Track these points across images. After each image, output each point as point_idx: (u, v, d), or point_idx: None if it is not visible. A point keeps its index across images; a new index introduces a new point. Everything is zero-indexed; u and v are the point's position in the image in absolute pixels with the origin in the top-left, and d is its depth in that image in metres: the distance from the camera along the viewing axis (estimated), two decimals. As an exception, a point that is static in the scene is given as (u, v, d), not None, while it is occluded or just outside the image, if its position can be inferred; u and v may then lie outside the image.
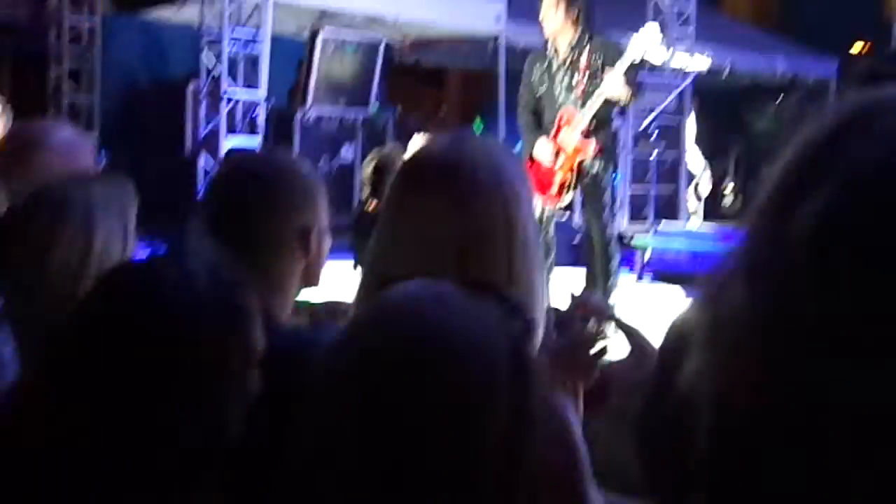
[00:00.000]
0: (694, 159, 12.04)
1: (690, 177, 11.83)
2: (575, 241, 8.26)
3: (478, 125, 14.08)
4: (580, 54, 6.25)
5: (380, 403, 1.07)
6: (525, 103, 6.50)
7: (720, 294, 0.59)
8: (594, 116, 6.18)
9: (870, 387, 0.51)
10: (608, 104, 6.23)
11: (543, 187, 6.24)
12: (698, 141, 12.43)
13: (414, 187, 1.69)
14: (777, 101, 14.62)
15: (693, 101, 12.02)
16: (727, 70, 14.35)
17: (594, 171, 6.27)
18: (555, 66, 6.34)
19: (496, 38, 12.10)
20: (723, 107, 14.98)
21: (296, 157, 2.30)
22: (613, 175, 6.55)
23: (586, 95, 6.18)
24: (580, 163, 6.23)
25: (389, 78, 12.64)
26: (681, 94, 10.77)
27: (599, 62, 6.18)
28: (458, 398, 1.06)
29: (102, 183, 2.11)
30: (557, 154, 6.24)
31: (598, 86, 6.13)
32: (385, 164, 5.72)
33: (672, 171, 11.41)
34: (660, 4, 11.72)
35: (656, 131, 10.55)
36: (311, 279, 2.01)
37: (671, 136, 11.22)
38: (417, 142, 5.50)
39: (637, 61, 6.19)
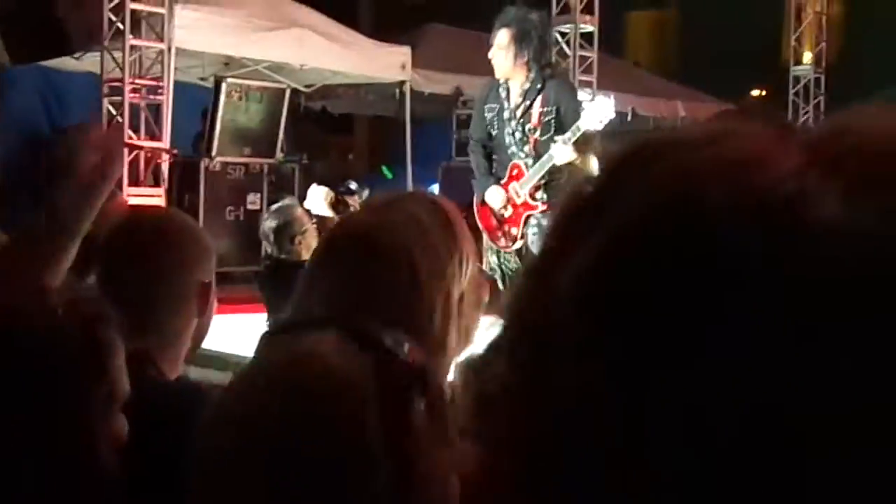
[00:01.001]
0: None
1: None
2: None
3: (386, 173, 14.12)
4: (532, 102, 6.07)
5: (257, 454, 1.08)
6: (478, 138, 6.33)
7: (487, 366, 0.54)
8: (545, 174, 6.07)
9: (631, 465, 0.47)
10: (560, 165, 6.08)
11: (493, 231, 6.26)
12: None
13: (330, 258, 1.69)
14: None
15: (595, 143, 12.19)
16: (629, 114, 14.62)
17: (540, 227, 6.12)
18: (506, 114, 6.15)
19: (402, 84, 12.17)
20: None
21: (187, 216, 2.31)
22: None
23: (538, 149, 6.07)
24: (527, 218, 6.18)
25: (296, 125, 12.61)
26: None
27: (552, 115, 6.04)
28: (331, 453, 1.07)
29: None
30: (507, 203, 6.19)
31: (547, 146, 6.02)
32: (283, 217, 5.66)
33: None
34: (565, 50, 11.90)
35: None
36: (202, 334, 2.05)
37: (574, 175, 11.34)
38: (315, 193, 5.47)
39: (587, 133, 6.03)
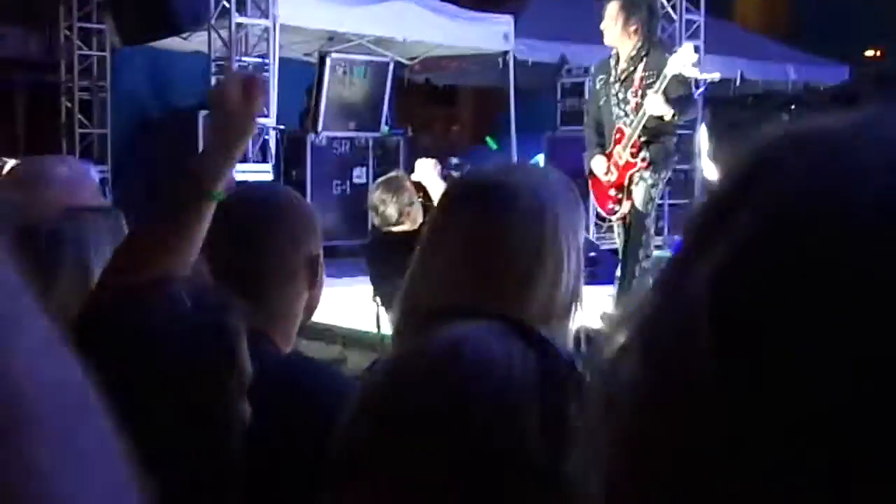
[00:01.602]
0: (711, 175, 11.98)
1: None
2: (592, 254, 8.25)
3: (491, 144, 14.08)
4: (636, 68, 6.36)
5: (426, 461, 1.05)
6: (590, 116, 6.71)
7: (615, 367, 0.52)
8: (643, 132, 6.32)
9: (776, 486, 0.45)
10: (656, 120, 6.31)
11: (602, 200, 6.57)
12: (715, 156, 12.37)
13: (457, 211, 1.69)
14: (791, 109, 14.57)
15: (705, 112, 11.98)
16: (738, 79, 14.33)
17: (644, 182, 6.41)
18: (612, 79, 6.46)
19: (506, 54, 12.11)
20: (736, 117, 14.93)
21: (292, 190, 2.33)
22: (658, 187, 6.65)
23: (638, 110, 6.33)
24: (630, 176, 6.40)
25: (400, 98, 12.66)
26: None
27: (654, 78, 6.27)
28: (491, 454, 1.04)
29: (94, 217, 2.13)
30: (610, 169, 6.45)
31: (644, 105, 6.27)
32: (393, 188, 5.66)
33: (686, 185, 11.35)
34: (671, 14, 11.69)
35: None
36: (313, 307, 2.05)
37: (684, 148, 11.16)
38: (424, 165, 5.45)
39: (678, 78, 6.25)
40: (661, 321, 0.50)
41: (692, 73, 6.38)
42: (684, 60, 6.24)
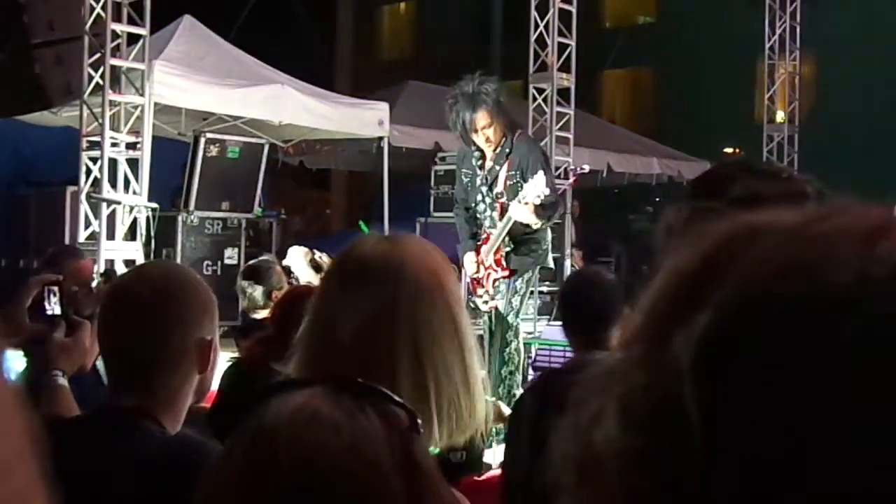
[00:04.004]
0: (576, 262, 12.25)
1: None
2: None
3: (363, 228, 14.12)
4: (501, 167, 6.47)
5: None
6: (461, 200, 6.79)
7: (591, 426, 0.55)
8: (507, 239, 6.47)
9: None
10: (519, 226, 6.44)
11: (474, 289, 6.70)
12: (580, 243, 12.68)
13: (353, 286, 1.68)
14: (656, 201, 15.04)
15: (573, 203, 12.29)
16: (605, 171, 14.75)
17: (504, 294, 6.57)
18: (478, 181, 6.55)
19: (380, 140, 12.23)
20: (602, 208, 15.35)
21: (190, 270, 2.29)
22: (519, 293, 6.75)
23: (503, 213, 6.45)
24: (494, 281, 6.59)
25: (273, 180, 12.63)
26: (561, 195, 10.97)
27: (517, 178, 6.39)
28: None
29: None
30: (478, 268, 6.61)
31: (508, 214, 6.39)
32: (261, 272, 5.63)
33: (556, 272, 11.55)
34: (543, 106, 12.01)
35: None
36: (204, 390, 2.04)
37: (553, 238, 11.39)
38: (295, 252, 5.47)
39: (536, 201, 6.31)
40: (639, 388, 0.54)
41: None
42: (537, 189, 6.27)
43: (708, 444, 0.50)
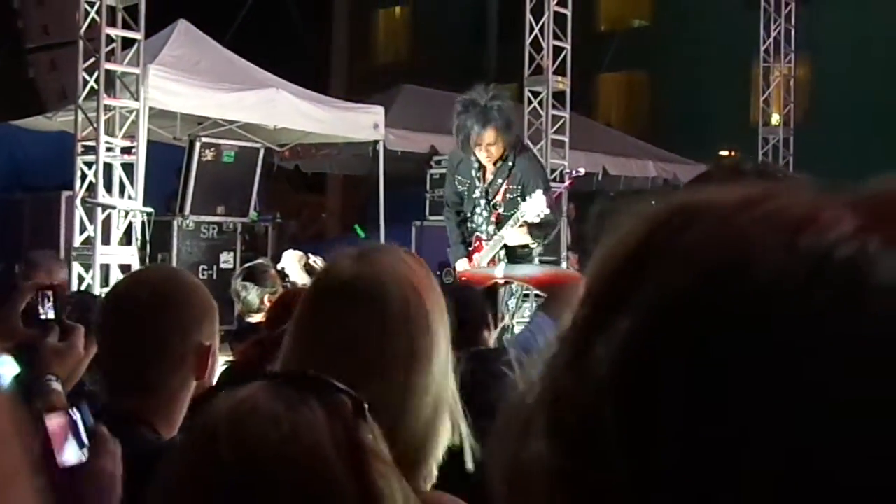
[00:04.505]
0: (572, 264, 12.24)
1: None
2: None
3: (359, 232, 14.11)
4: (503, 178, 6.48)
5: None
6: (452, 204, 6.77)
7: (518, 442, 0.52)
8: (505, 249, 6.48)
9: None
10: (521, 248, 6.49)
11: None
12: (576, 247, 12.67)
13: (338, 304, 1.64)
14: (652, 204, 15.02)
15: (569, 206, 12.28)
16: (601, 174, 14.75)
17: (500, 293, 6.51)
18: (477, 192, 6.55)
19: (375, 143, 12.23)
20: (598, 210, 15.35)
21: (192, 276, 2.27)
22: (516, 295, 6.80)
23: (500, 223, 6.46)
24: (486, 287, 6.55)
25: (269, 184, 12.61)
26: (557, 198, 10.98)
27: (517, 193, 6.41)
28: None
29: None
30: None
31: (510, 218, 6.38)
32: (256, 276, 5.62)
33: (552, 274, 11.56)
34: (538, 109, 12.01)
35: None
36: None
37: (549, 241, 11.40)
38: (289, 256, 5.46)
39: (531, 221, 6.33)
40: (563, 398, 0.50)
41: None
42: (537, 208, 6.30)
43: (624, 464, 0.46)
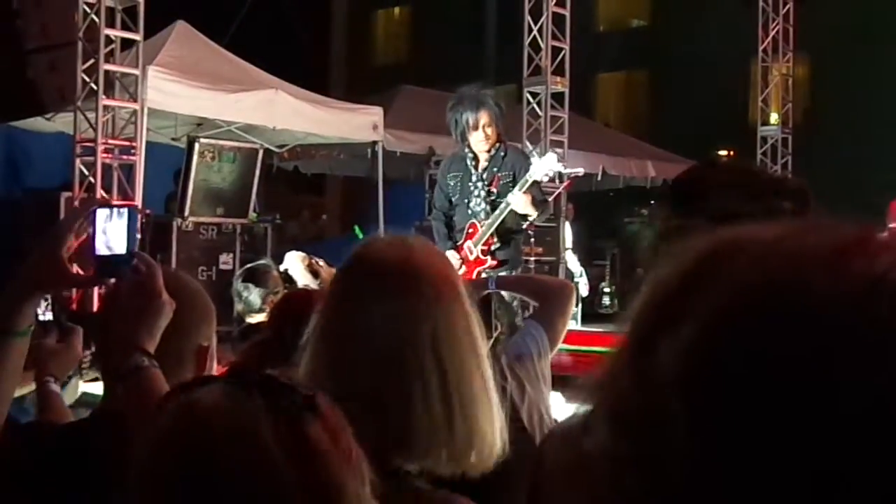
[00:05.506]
0: (572, 265, 12.26)
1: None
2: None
3: (358, 233, 14.13)
4: (497, 166, 6.67)
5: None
6: (440, 206, 6.92)
7: (583, 434, 0.59)
8: (498, 229, 6.58)
9: None
10: (514, 217, 6.59)
11: None
12: (575, 247, 12.69)
13: (370, 296, 1.69)
14: (651, 204, 15.05)
15: (568, 207, 12.29)
16: (600, 174, 14.75)
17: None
18: (474, 178, 6.71)
19: (374, 144, 12.23)
20: (597, 211, 15.36)
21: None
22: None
23: (493, 207, 6.59)
24: (479, 273, 6.58)
25: (268, 185, 12.61)
26: (556, 198, 10.99)
27: (510, 178, 6.60)
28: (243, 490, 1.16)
29: None
30: (461, 263, 6.61)
31: (505, 200, 6.53)
32: (257, 276, 5.60)
33: (550, 275, 11.57)
34: (537, 110, 12.02)
35: (532, 237, 10.71)
36: None
37: (548, 241, 11.42)
38: (292, 257, 5.45)
39: (538, 180, 6.59)
40: (627, 396, 0.57)
41: (557, 167, 6.67)
42: (548, 167, 6.58)
43: (694, 448, 0.53)
